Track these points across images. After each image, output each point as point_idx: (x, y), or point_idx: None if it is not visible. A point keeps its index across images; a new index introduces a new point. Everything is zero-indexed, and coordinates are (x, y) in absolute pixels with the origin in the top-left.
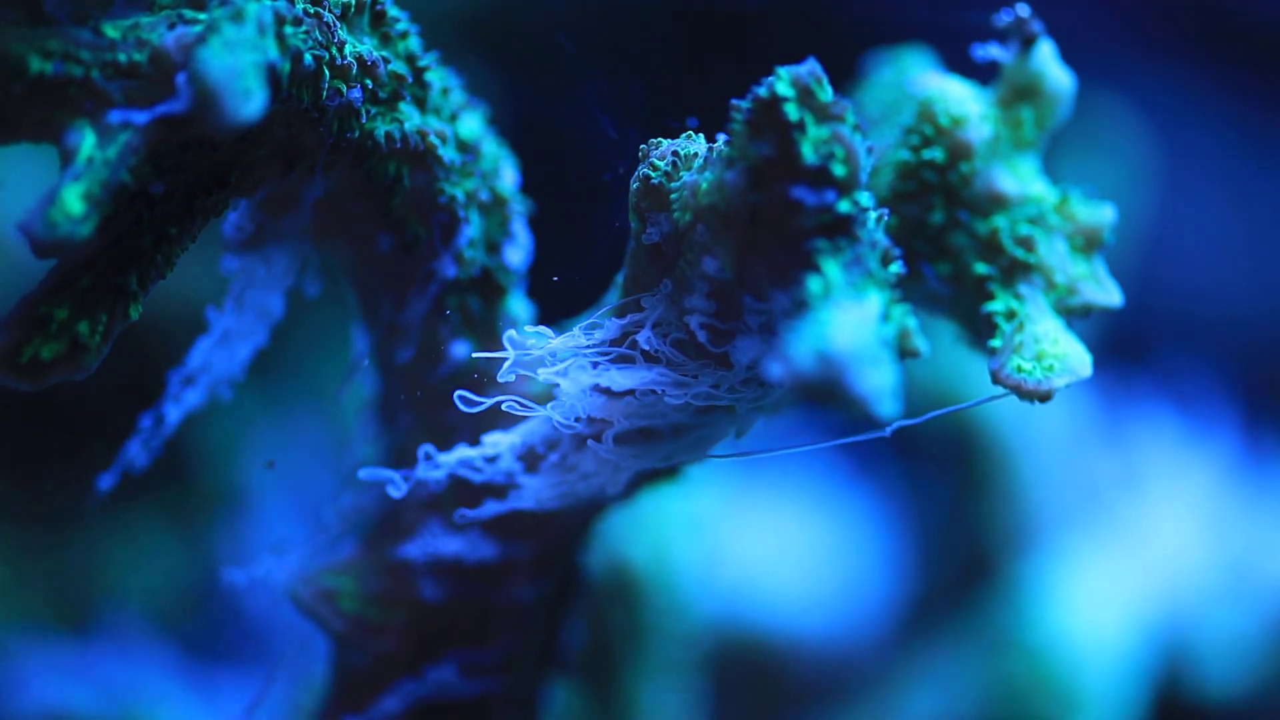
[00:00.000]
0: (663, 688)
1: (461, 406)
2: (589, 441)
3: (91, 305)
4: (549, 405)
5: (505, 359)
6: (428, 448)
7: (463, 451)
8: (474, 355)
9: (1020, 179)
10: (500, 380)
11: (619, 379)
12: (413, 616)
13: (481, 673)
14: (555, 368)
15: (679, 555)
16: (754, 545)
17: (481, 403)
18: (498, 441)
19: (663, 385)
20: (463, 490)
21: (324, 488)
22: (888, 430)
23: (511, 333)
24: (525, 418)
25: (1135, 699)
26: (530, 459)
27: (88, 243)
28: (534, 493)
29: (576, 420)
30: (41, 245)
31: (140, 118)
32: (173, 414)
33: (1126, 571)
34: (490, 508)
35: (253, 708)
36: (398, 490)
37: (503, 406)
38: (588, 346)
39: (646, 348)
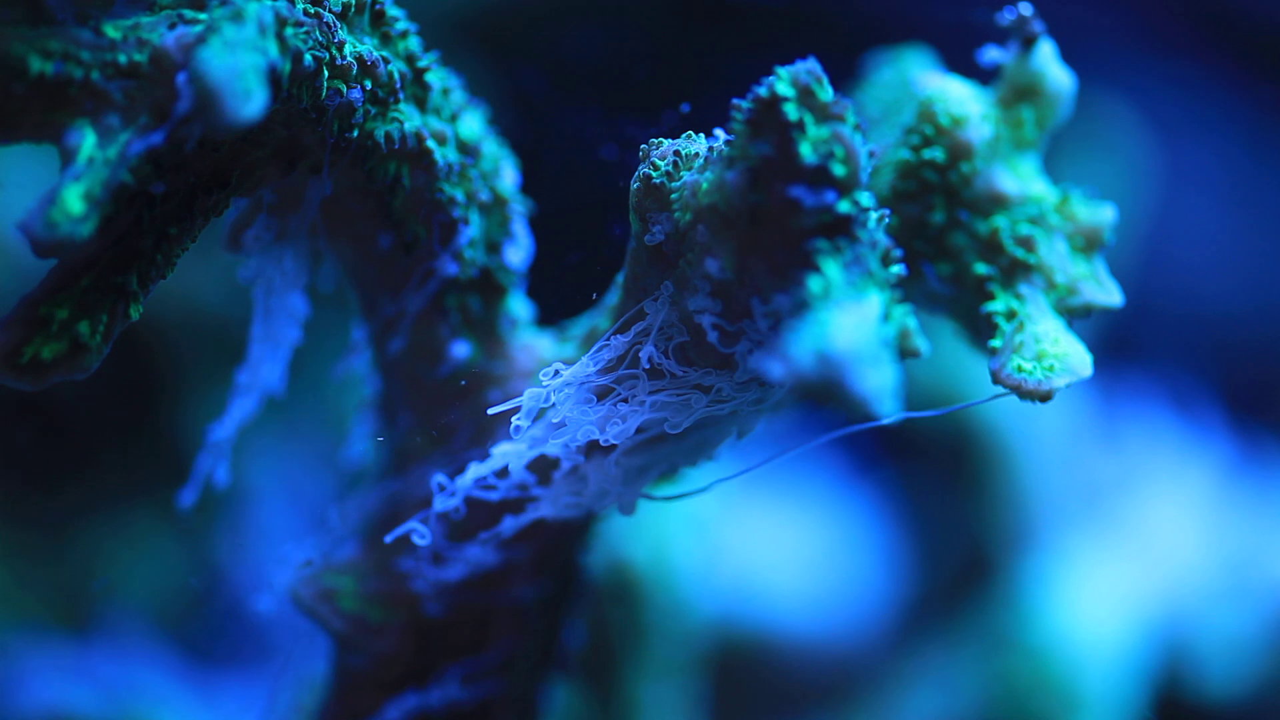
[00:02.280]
0: (663, 687)
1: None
2: (595, 462)
3: (92, 305)
4: (553, 441)
5: (510, 363)
6: (441, 478)
7: (475, 471)
8: (489, 411)
9: (1021, 179)
10: (512, 435)
11: (625, 426)
12: (413, 617)
13: (482, 673)
14: (561, 397)
15: (679, 555)
16: (754, 545)
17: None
18: (506, 453)
19: (664, 411)
20: (478, 504)
21: (324, 488)
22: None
23: (530, 391)
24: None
25: (1135, 699)
26: (542, 470)
27: (88, 243)
28: (549, 503)
29: (579, 450)
30: (42, 245)
31: (157, 139)
32: (231, 426)
33: (1126, 571)
34: (509, 524)
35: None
36: (423, 539)
37: (513, 454)
38: (597, 371)
39: (649, 364)
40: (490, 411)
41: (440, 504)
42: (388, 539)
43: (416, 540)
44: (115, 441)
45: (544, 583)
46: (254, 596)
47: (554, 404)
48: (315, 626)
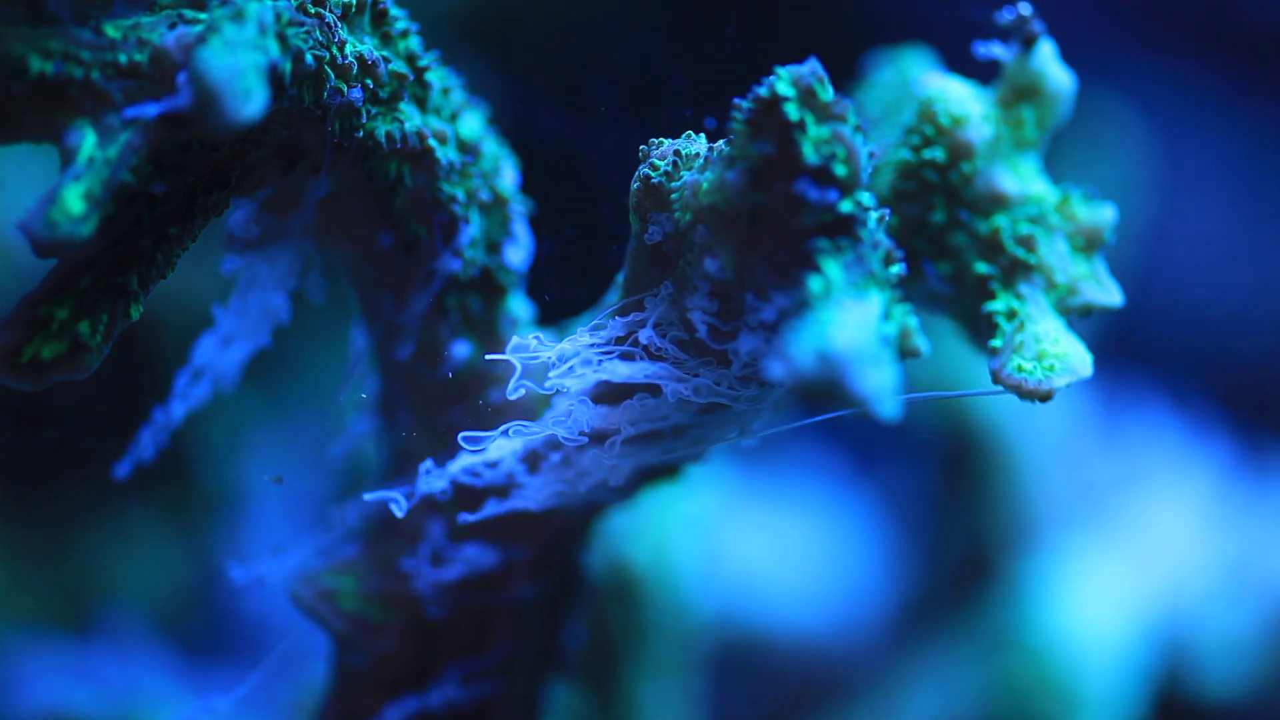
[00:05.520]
0: (663, 688)
1: (467, 448)
2: (594, 450)
3: (92, 305)
4: (554, 423)
5: (510, 363)
6: (427, 463)
7: (464, 460)
8: (485, 357)
9: (1021, 179)
10: (509, 397)
11: (622, 370)
12: (413, 617)
13: (482, 673)
14: (561, 369)
15: (679, 555)
16: (754, 545)
17: (489, 437)
18: (500, 446)
19: (664, 380)
20: (465, 491)
21: (323, 487)
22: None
23: (516, 339)
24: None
25: (1135, 699)
26: (532, 460)
27: (88, 243)
28: (535, 492)
29: (581, 434)
30: (42, 245)
31: (151, 110)
32: (179, 409)
33: (1126, 571)
34: (492, 508)
35: (241, 695)
36: (400, 510)
37: (510, 433)
38: (593, 345)
39: (648, 344)
40: (486, 358)
41: (425, 485)
42: (367, 498)
43: (394, 511)
44: (115, 441)
45: (544, 583)
46: (230, 570)
47: (552, 370)
48: (315, 626)
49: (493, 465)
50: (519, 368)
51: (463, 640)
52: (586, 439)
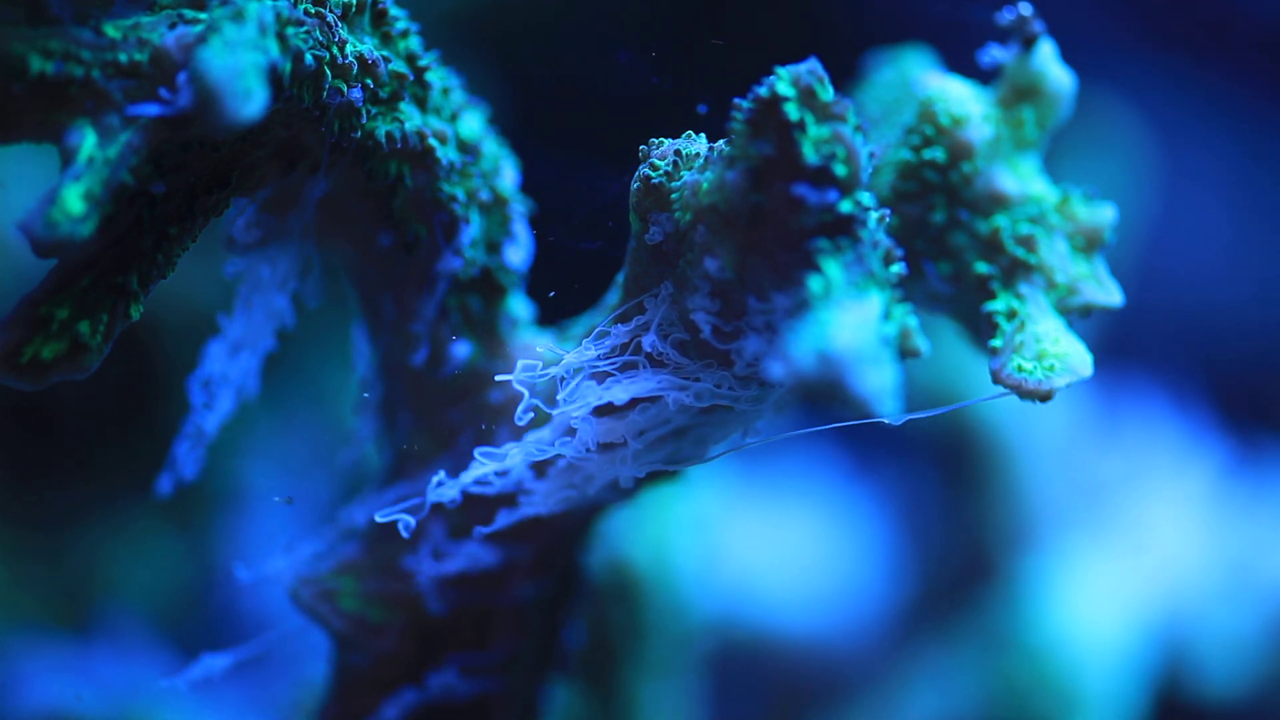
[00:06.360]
0: (663, 688)
1: (483, 461)
2: (604, 459)
3: (92, 305)
4: (560, 444)
5: (516, 372)
6: (440, 473)
7: (476, 470)
8: (496, 379)
9: (1021, 179)
10: (519, 422)
11: (622, 394)
12: (413, 616)
13: (482, 673)
14: (568, 388)
15: (679, 555)
16: (754, 545)
17: (504, 454)
18: (511, 453)
19: (665, 391)
20: (474, 499)
21: (324, 488)
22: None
23: (523, 363)
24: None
25: (1135, 699)
26: (539, 466)
27: (88, 242)
28: (544, 498)
29: (589, 450)
30: (42, 245)
31: (151, 110)
32: (210, 422)
33: (1126, 571)
34: (503, 518)
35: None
36: (406, 530)
37: (521, 456)
38: (598, 357)
39: (650, 351)
40: (498, 378)
41: (435, 495)
42: (379, 518)
43: (402, 531)
44: (115, 441)
45: (544, 582)
46: (235, 569)
47: (558, 385)
48: (315, 626)
49: (503, 474)
50: (527, 394)
51: (463, 640)
52: (594, 455)
